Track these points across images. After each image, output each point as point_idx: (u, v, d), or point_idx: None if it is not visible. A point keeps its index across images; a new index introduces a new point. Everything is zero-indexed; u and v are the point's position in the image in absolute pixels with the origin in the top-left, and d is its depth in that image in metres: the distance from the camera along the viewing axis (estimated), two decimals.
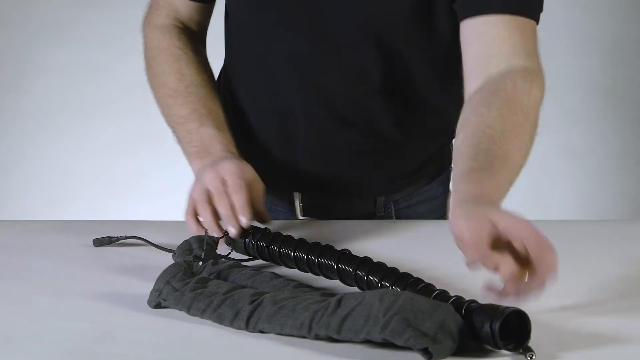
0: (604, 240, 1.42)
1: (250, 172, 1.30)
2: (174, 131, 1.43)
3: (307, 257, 1.16)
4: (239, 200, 1.24)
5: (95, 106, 3.05)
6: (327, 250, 1.16)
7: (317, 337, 0.97)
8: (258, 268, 1.14)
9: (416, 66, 1.43)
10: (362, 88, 1.44)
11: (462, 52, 1.32)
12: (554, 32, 3.08)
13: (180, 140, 1.41)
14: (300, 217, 1.54)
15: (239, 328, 1.00)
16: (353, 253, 1.14)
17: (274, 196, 1.53)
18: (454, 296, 0.98)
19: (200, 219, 1.27)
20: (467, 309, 0.95)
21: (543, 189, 3.14)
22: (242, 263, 1.18)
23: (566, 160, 3.12)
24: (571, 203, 3.14)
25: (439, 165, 1.59)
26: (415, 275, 1.06)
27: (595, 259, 1.32)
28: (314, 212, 1.53)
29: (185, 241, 1.22)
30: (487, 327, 0.92)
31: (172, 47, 1.48)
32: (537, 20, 1.31)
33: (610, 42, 3.08)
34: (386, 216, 1.55)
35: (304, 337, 0.97)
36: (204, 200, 1.26)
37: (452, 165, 1.23)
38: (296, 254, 1.18)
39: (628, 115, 3.12)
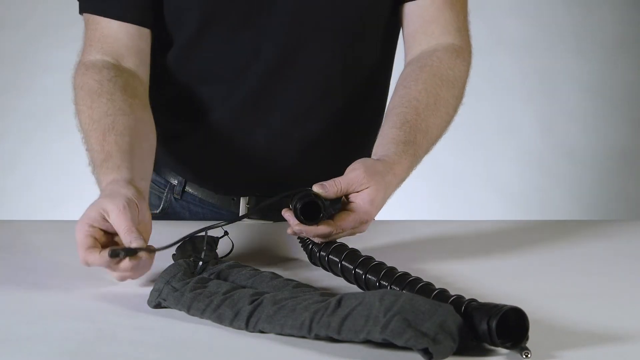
0: (604, 240, 1.42)
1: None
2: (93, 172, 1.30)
3: (320, 253, 1.18)
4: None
5: None
6: (337, 247, 1.17)
7: (317, 337, 0.97)
8: (258, 268, 1.14)
9: (372, 51, 1.50)
10: (324, 76, 1.46)
11: (402, 32, 1.49)
12: (555, 32, 3.08)
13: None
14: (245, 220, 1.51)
15: (239, 328, 1.00)
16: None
17: (217, 195, 1.53)
18: (454, 295, 0.98)
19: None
20: (466, 308, 0.95)
21: (543, 189, 3.14)
22: (242, 263, 1.18)
23: (566, 160, 3.12)
24: (571, 203, 3.14)
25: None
26: (414, 275, 1.06)
27: (595, 259, 1.32)
28: (260, 212, 1.51)
29: (186, 241, 1.22)
30: (484, 325, 0.92)
31: (90, 81, 1.36)
32: None
33: (610, 42, 3.08)
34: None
35: (304, 337, 0.97)
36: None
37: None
38: (313, 248, 1.19)
39: (628, 115, 3.12)
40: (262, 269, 1.14)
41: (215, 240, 1.22)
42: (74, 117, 1.36)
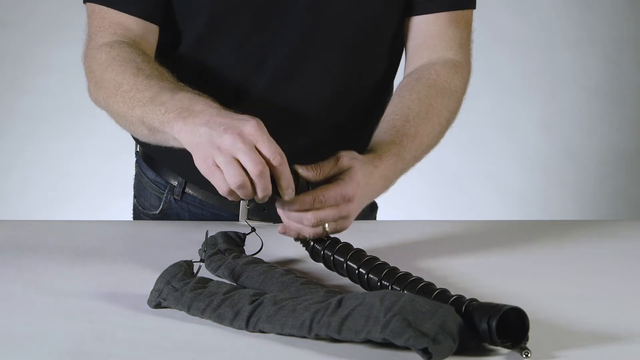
0: (604, 240, 1.42)
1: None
2: (143, 117, 1.25)
3: (324, 252, 1.18)
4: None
5: (95, 106, 3.05)
6: (344, 248, 1.17)
7: (318, 337, 0.97)
8: (274, 265, 1.15)
9: (379, 61, 1.50)
10: (330, 84, 1.46)
11: (405, 44, 1.50)
12: (554, 32, 3.08)
13: (151, 118, 1.23)
14: (245, 221, 1.50)
15: (239, 328, 1.00)
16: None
17: (217, 196, 1.52)
18: (455, 295, 0.98)
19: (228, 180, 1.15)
20: (466, 307, 0.95)
21: (543, 189, 3.14)
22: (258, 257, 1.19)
23: (566, 160, 3.12)
24: (571, 203, 3.14)
25: None
26: (415, 275, 1.06)
27: (595, 259, 1.32)
28: (260, 214, 1.50)
29: (212, 237, 1.23)
30: (484, 324, 0.92)
31: (123, 53, 1.34)
32: (473, 5, 1.49)
33: (610, 42, 3.08)
34: None
35: (304, 337, 0.97)
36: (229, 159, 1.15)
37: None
38: (315, 246, 1.20)
39: (628, 115, 3.12)
40: (279, 267, 1.15)
41: (241, 237, 1.22)
42: (93, 95, 1.36)
